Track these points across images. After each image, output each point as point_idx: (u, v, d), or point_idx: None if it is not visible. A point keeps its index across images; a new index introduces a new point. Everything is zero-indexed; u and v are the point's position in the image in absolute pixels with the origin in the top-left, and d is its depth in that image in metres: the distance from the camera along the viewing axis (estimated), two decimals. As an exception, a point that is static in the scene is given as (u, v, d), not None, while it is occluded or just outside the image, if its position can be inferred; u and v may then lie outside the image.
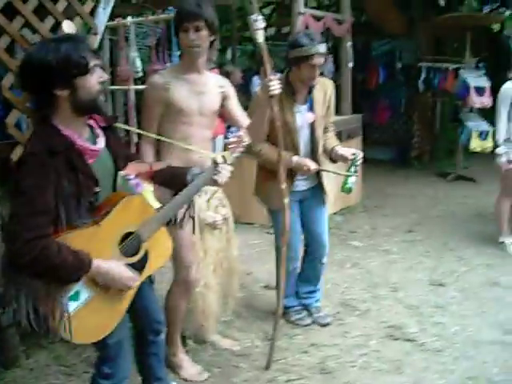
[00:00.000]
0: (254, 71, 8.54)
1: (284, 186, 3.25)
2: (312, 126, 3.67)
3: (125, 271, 2.25)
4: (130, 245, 2.30)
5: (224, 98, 3.25)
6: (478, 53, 9.50)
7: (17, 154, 3.20)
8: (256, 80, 7.54)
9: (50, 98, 2.15)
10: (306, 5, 6.57)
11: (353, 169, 3.53)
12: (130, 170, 2.38)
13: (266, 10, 12.64)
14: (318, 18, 6.48)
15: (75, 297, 2.17)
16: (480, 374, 3.32)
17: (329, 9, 10.40)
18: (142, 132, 2.96)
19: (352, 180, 3.54)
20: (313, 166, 3.57)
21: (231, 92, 3.29)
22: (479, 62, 9.01)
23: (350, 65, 7.27)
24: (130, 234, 2.30)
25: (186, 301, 3.29)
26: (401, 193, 8.03)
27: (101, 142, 2.33)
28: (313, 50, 3.39)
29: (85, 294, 2.20)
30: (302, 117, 3.63)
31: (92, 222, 2.21)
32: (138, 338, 2.74)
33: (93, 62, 2.16)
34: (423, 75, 9.21)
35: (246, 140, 2.65)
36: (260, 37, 3.00)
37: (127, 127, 2.65)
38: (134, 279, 2.29)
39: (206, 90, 3.14)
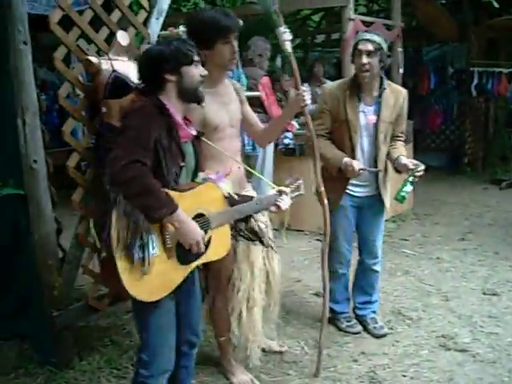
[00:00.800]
0: (303, 78, 8.52)
1: (322, 188, 3.32)
2: (376, 130, 3.63)
3: (198, 228, 2.42)
4: (200, 224, 2.45)
5: (241, 103, 3.27)
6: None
7: (73, 160, 3.29)
8: (306, 87, 7.53)
9: (160, 81, 2.48)
10: (355, 10, 6.54)
11: (411, 178, 3.47)
12: (208, 173, 2.65)
13: (316, 17, 12.61)
14: (367, 24, 6.44)
15: (144, 248, 2.28)
16: (535, 386, 3.23)
17: (379, 14, 10.30)
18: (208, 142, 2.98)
19: (407, 189, 3.49)
20: (357, 165, 3.51)
21: (244, 96, 3.33)
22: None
23: (401, 70, 7.19)
24: (201, 215, 2.48)
25: (227, 306, 3.29)
26: (453, 200, 7.88)
27: (193, 131, 2.60)
28: (358, 37, 3.61)
29: (154, 250, 2.31)
30: (365, 117, 3.62)
31: (178, 190, 2.42)
32: None
33: (196, 57, 2.52)
34: (475, 80, 9.05)
35: (302, 191, 2.95)
36: (288, 47, 3.11)
37: (208, 142, 2.78)
38: (204, 237, 2.43)
39: (230, 99, 3.16)
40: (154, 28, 3.74)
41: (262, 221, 3.29)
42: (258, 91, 5.37)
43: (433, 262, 5.38)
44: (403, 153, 3.70)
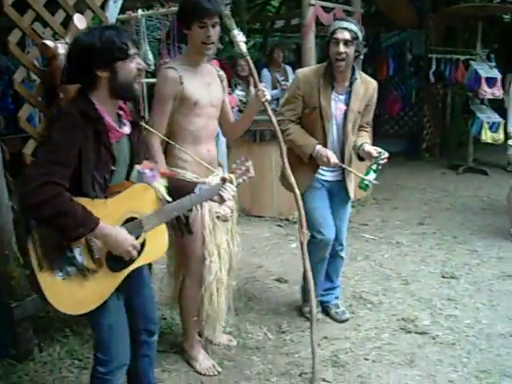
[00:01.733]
0: (262, 63, 8.49)
1: (293, 179, 3.29)
2: (345, 119, 3.63)
3: (129, 237, 2.31)
4: (131, 229, 2.35)
5: (223, 90, 3.30)
6: (489, 44, 9.42)
7: (29, 148, 3.21)
8: (265, 72, 7.50)
9: (91, 77, 2.28)
10: (315, -4, 6.52)
11: (374, 167, 3.48)
12: (145, 166, 2.47)
13: (275, 3, 12.59)
14: (327, 10, 6.44)
15: (69, 261, 2.22)
16: (494, 367, 3.31)
17: (337, 0, 10.31)
18: (160, 136, 2.95)
19: (370, 177, 3.49)
20: (333, 158, 3.53)
21: (226, 86, 3.35)
22: (490, 53, 8.93)
23: (361, 56, 7.19)
24: (133, 219, 2.37)
25: (199, 293, 3.28)
26: (411, 185, 8.00)
27: (125, 129, 2.43)
28: (335, 25, 3.53)
29: (81, 260, 2.23)
30: (336, 106, 3.62)
31: (106, 195, 2.31)
32: (130, 337, 2.67)
33: (132, 50, 2.30)
34: (434, 66, 9.15)
35: (252, 173, 2.78)
36: (244, 48, 3.14)
37: (150, 128, 2.70)
38: (136, 247, 2.33)
39: (212, 80, 3.21)
40: (112, 11, 3.66)
41: (229, 205, 3.21)
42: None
43: (392, 246, 5.45)
44: (366, 140, 3.72)
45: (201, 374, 3.32)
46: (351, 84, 3.62)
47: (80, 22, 3.27)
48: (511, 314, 3.95)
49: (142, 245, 2.40)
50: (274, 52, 7.53)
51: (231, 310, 3.57)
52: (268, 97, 3.16)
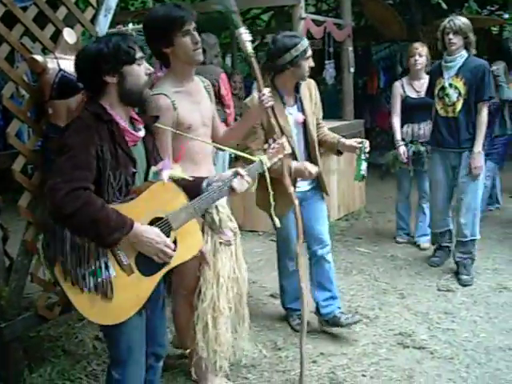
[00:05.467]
0: (253, 78, 8.49)
1: (292, 190, 3.21)
2: (304, 125, 3.71)
3: (163, 235, 2.27)
4: (160, 229, 2.30)
5: (210, 100, 3.19)
6: (480, 55, 9.43)
7: (18, 164, 3.14)
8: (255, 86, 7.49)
9: (100, 84, 2.29)
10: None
11: (363, 156, 3.56)
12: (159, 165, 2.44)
13: (265, 16, 12.61)
14: (318, 23, 6.45)
15: (98, 273, 2.17)
16: (493, 381, 3.27)
17: (328, 14, 10.36)
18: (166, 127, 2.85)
19: (363, 167, 3.59)
20: (313, 170, 3.55)
21: (213, 94, 3.25)
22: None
23: (352, 69, 7.23)
24: (159, 219, 2.31)
25: (191, 315, 3.08)
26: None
27: (140, 133, 2.41)
28: (306, 42, 3.57)
29: (106, 272, 2.19)
30: (293, 118, 3.67)
31: (128, 198, 2.27)
32: None
33: (139, 54, 2.32)
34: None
35: (288, 149, 2.71)
36: (249, 48, 3.03)
37: (162, 126, 2.62)
38: (170, 246, 2.29)
39: (200, 97, 3.08)
40: (102, 26, 3.61)
41: (231, 227, 3.09)
42: (219, 88, 5.25)
43: (387, 259, 5.41)
44: (337, 136, 3.83)
45: None
46: (297, 91, 3.70)
47: (70, 36, 3.22)
48: (509, 327, 3.91)
49: (174, 244, 2.34)
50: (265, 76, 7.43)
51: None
52: (272, 102, 3.05)
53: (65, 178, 2.09)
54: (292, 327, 3.99)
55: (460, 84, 4.58)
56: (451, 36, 4.55)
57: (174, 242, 2.34)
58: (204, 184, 2.54)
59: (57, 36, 3.26)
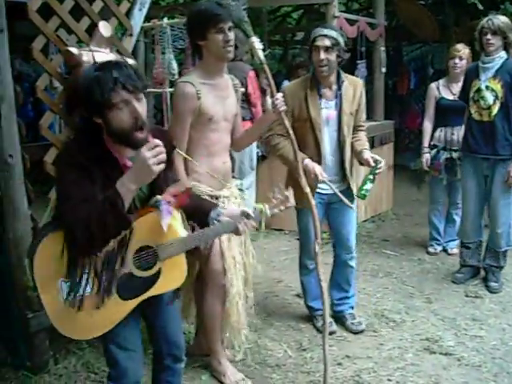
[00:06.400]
0: (283, 75, 8.44)
1: (308, 190, 3.17)
2: (339, 123, 3.65)
3: (145, 151, 2.05)
4: (145, 258, 2.25)
5: (237, 100, 3.28)
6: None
7: (50, 156, 3.16)
8: (286, 83, 7.45)
9: (92, 123, 2.14)
10: (337, 9, 6.48)
11: (371, 176, 3.54)
12: (167, 195, 2.25)
13: (295, 15, 12.56)
14: (351, 22, 6.39)
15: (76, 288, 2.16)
16: (523, 391, 3.20)
17: (358, 13, 10.28)
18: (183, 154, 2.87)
19: (367, 187, 3.56)
20: (320, 176, 3.50)
21: (240, 95, 3.35)
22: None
23: (383, 70, 7.15)
24: (148, 246, 2.26)
25: (222, 306, 3.22)
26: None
27: None
28: (315, 33, 3.56)
29: (86, 289, 2.17)
30: (327, 113, 3.63)
31: None
32: (155, 360, 2.61)
33: (119, 97, 2.04)
34: (456, 81, 9.02)
35: (292, 203, 2.63)
36: (262, 56, 3.10)
37: (183, 154, 2.60)
38: (156, 143, 2.06)
39: (228, 94, 3.17)
40: (137, 19, 3.63)
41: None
42: (247, 86, 5.25)
43: (414, 263, 5.33)
44: (366, 145, 3.75)
45: None
46: (340, 87, 3.65)
47: (105, 29, 3.23)
48: (539, 336, 3.83)
49: (158, 274, 2.28)
50: (298, 72, 7.38)
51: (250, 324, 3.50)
52: (285, 107, 3.10)
53: (69, 213, 2.05)
54: (317, 328, 3.95)
55: (497, 86, 4.35)
56: (489, 36, 4.31)
57: (159, 272, 2.28)
58: (212, 214, 2.46)
59: (92, 29, 3.27)
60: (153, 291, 2.30)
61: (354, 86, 3.71)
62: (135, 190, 2.10)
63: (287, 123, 3.16)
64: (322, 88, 3.64)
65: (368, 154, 3.61)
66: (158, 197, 2.23)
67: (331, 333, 3.80)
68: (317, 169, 3.50)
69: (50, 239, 2.14)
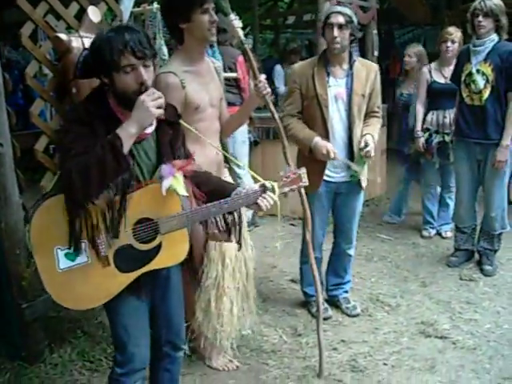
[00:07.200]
0: (275, 60, 8.40)
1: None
2: (349, 103, 3.58)
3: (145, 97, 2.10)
4: (144, 230, 2.21)
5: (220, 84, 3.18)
6: (508, 40, 9.27)
7: (41, 144, 3.12)
8: (278, 68, 7.42)
9: (101, 81, 2.19)
10: (330, -9, 6.41)
11: (361, 159, 3.53)
12: (169, 165, 2.24)
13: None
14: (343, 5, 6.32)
15: (71, 256, 2.13)
16: (517, 374, 3.21)
17: (351, -4, 10.23)
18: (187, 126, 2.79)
19: (357, 168, 3.55)
20: (332, 152, 3.42)
21: (222, 77, 3.23)
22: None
23: (376, 53, 7.11)
24: (148, 219, 2.21)
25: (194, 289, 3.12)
26: (425, 184, 7.84)
27: (149, 129, 2.25)
28: (329, 10, 3.56)
29: (83, 258, 2.14)
30: (335, 90, 3.57)
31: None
32: (153, 347, 2.55)
33: (126, 61, 2.07)
34: (448, 64, 9.00)
35: (305, 182, 2.54)
36: (241, 34, 3.03)
37: (187, 126, 2.50)
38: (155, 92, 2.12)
39: (210, 78, 3.05)
40: (127, 4, 3.59)
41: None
42: (236, 71, 5.21)
43: (409, 246, 5.35)
44: (371, 131, 3.62)
45: (220, 370, 3.25)
46: (351, 67, 3.60)
47: (94, 14, 3.19)
48: (533, 319, 3.84)
49: (158, 248, 2.25)
50: (292, 58, 7.32)
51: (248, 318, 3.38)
52: (269, 89, 2.99)
53: (66, 163, 2.05)
54: (312, 314, 3.95)
55: (488, 70, 4.29)
56: (481, 18, 4.24)
57: (159, 246, 2.25)
58: (233, 195, 2.40)
59: (81, 14, 3.22)
60: (153, 265, 2.27)
61: (367, 69, 3.64)
62: (135, 135, 2.09)
63: (272, 107, 3.07)
64: (331, 66, 3.58)
65: (364, 138, 3.52)
66: (163, 165, 2.23)
67: (326, 318, 3.82)
68: (329, 145, 3.44)
69: (51, 203, 2.11)
